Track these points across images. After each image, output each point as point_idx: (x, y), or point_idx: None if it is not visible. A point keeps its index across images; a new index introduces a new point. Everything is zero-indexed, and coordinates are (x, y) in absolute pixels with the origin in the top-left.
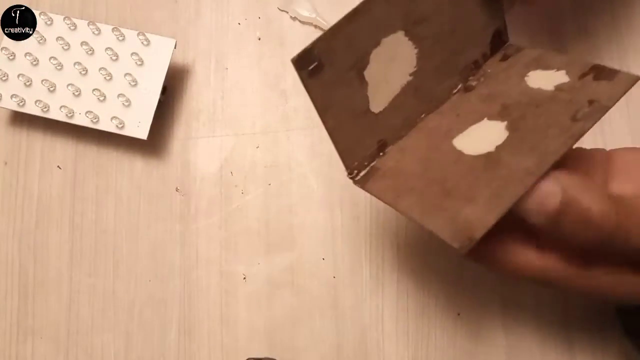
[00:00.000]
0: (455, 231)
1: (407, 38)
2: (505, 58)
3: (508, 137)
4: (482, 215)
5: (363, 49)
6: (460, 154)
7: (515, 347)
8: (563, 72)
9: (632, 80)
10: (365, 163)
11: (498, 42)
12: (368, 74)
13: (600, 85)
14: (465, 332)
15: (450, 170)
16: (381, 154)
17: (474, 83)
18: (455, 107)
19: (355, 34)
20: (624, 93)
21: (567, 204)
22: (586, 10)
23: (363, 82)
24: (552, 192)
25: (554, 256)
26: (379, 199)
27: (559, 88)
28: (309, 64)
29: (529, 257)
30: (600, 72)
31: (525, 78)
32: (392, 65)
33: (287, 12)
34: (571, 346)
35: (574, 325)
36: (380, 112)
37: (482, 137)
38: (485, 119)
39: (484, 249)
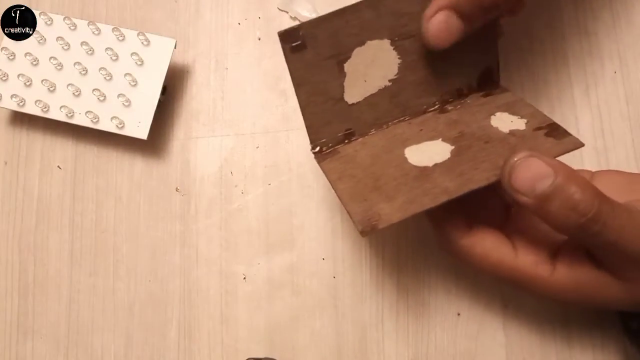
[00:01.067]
0: (364, 218)
1: (392, 47)
2: (487, 95)
3: (448, 159)
4: (390, 213)
5: (346, 44)
6: (404, 160)
7: (516, 346)
8: (524, 121)
9: (575, 145)
10: (330, 144)
11: (487, 79)
12: (348, 66)
13: (546, 141)
14: (465, 332)
15: (389, 171)
16: (346, 141)
17: (450, 108)
18: (423, 123)
19: (340, 29)
20: (561, 154)
21: (557, 187)
22: (586, 9)
23: (342, 73)
24: (545, 173)
25: (476, 238)
26: (325, 175)
27: (512, 133)
28: (293, 41)
29: (457, 236)
30: (554, 130)
31: (492, 116)
32: (373, 67)
33: (287, 12)
34: (571, 345)
35: (574, 324)
36: (354, 104)
37: (429, 153)
38: (440, 139)
39: (437, 232)
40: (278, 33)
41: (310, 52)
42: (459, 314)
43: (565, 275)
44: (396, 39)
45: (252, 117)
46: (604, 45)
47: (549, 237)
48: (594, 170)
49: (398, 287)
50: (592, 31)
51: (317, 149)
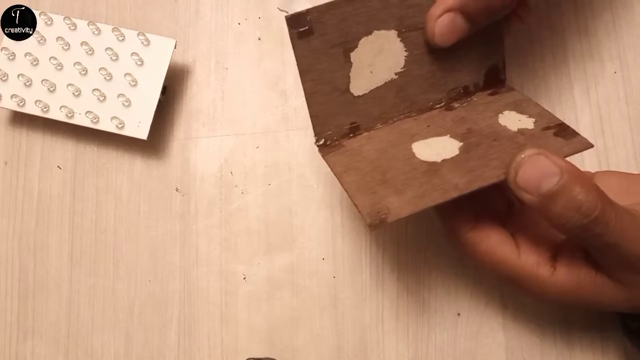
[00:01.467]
0: (373, 211)
1: (399, 39)
2: (494, 93)
3: (457, 155)
4: (400, 207)
5: (354, 32)
6: (412, 155)
7: (516, 346)
8: (532, 120)
9: (584, 146)
10: (335, 138)
11: (494, 78)
12: (354, 56)
13: (555, 141)
14: (465, 332)
15: (396, 165)
16: (351, 135)
17: (456, 105)
18: (430, 119)
19: (348, 16)
20: (570, 154)
21: (562, 187)
22: (586, 10)
23: (348, 62)
24: (551, 172)
25: (483, 234)
26: (330, 168)
27: (521, 132)
28: (300, 26)
29: (464, 230)
30: (563, 130)
31: (500, 115)
32: (379, 58)
33: (287, 12)
34: (571, 346)
35: (573, 324)
36: (359, 96)
37: (437, 148)
38: (448, 135)
39: (444, 224)
40: (285, 17)
41: (317, 38)
42: (459, 314)
43: (564, 276)
44: (403, 30)
45: (252, 117)
46: (604, 46)
47: (550, 237)
48: (592, 171)
49: (398, 287)
50: (592, 31)
51: (322, 141)
